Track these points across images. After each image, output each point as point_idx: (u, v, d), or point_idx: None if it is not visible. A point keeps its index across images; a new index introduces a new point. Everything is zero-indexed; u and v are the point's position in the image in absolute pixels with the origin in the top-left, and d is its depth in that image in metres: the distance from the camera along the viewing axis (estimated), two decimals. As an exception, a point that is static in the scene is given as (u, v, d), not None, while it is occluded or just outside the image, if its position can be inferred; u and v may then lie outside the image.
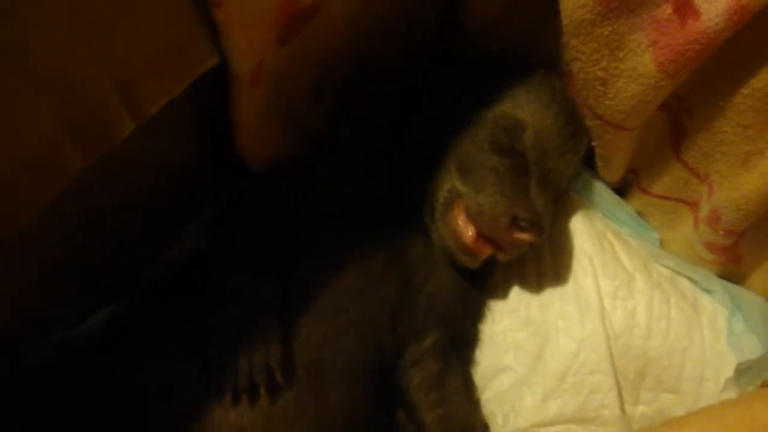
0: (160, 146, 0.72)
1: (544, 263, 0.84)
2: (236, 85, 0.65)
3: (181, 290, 0.75)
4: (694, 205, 0.80)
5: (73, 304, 0.76)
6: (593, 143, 0.80)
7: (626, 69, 0.69)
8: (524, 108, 0.75)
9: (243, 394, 0.66)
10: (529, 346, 0.82)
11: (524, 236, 0.71)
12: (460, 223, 0.73)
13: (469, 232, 0.72)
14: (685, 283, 0.84)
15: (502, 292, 0.84)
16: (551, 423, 0.79)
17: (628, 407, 0.80)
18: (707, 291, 0.84)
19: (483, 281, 0.83)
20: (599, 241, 0.83)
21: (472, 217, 0.72)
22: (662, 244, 0.88)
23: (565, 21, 0.68)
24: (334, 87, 0.81)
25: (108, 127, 0.55)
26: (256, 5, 0.59)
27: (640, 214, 0.88)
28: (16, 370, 0.73)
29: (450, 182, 0.74)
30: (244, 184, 0.80)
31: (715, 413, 0.61)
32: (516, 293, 0.84)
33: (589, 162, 0.86)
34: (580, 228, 0.84)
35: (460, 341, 0.80)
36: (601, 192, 0.87)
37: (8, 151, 0.49)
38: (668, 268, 0.84)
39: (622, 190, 0.89)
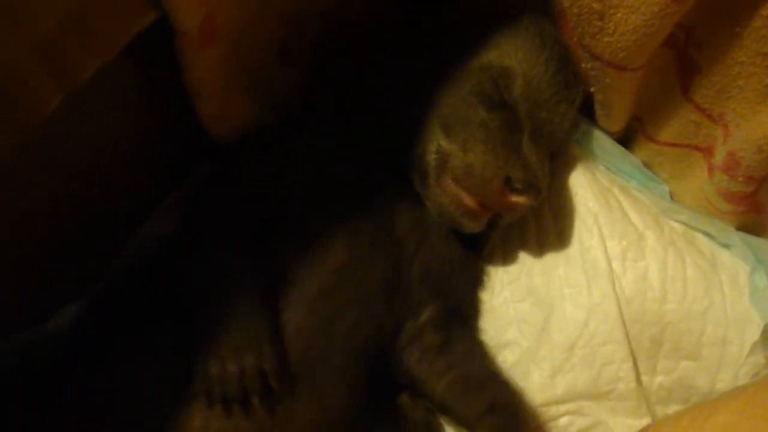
0: (114, 122, 0.69)
1: (546, 225, 0.78)
2: (183, 44, 0.59)
3: (154, 280, 0.69)
4: (707, 151, 0.74)
5: (34, 300, 0.72)
6: (592, 89, 0.75)
7: (626, -3, 0.62)
8: (512, 56, 0.69)
9: (235, 405, 0.60)
10: (533, 318, 0.76)
11: (519, 199, 0.65)
12: (458, 186, 0.67)
13: (467, 195, 0.66)
14: (700, 239, 0.78)
15: (501, 260, 0.79)
16: (561, 401, 0.74)
17: (644, 378, 0.75)
18: (725, 246, 0.78)
19: (480, 248, 0.78)
20: (604, 198, 0.77)
21: (460, 181, 0.66)
22: (673, 197, 0.82)
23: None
24: (302, 47, 0.76)
25: (31, 98, 0.50)
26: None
27: (647, 165, 0.82)
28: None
29: (435, 142, 0.68)
30: (213, 161, 0.76)
31: (749, 394, 0.53)
32: (516, 260, 0.78)
33: (588, 112, 0.80)
34: (583, 184, 0.78)
35: (461, 312, 0.75)
36: (604, 143, 0.81)
37: None
38: (681, 223, 0.79)
39: (626, 140, 0.82)
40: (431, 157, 0.68)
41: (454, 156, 0.66)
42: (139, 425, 0.62)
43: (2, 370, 0.68)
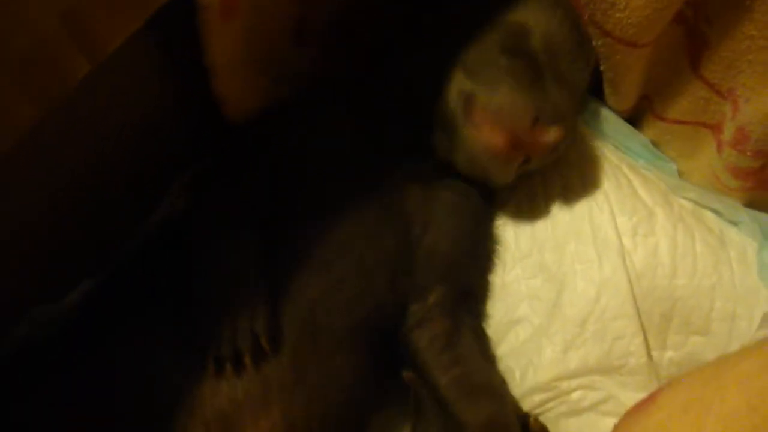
0: (135, 102, 0.69)
1: (557, 202, 0.78)
2: (206, 16, 0.60)
3: (164, 256, 0.70)
4: (716, 128, 0.74)
5: (48, 280, 0.72)
6: (601, 67, 0.75)
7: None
8: (528, 14, 0.69)
9: (227, 363, 0.61)
10: (545, 294, 0.77)
11: (551, 134, 0.65)
12: (487, 126, 0.66)
13: (498, 135, 0.65)
14: (709, 216, 0.79)
15: (511, 237, 0.79)
16: (573, 375, 0.75)
17: (654, 353, 0.75)
18: (733, 223, 0.79)
19: (489, 227, 0.78)
20: (614, 175, 0.78)
21: (492, 116, 0.65)
22: (681, 175, 0.82)
23: None
24: (318, 26, 0.76)
25: (59, 69, 0.50)
26: None
27: (655, 144, 0.82)
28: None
29: (458, 88, 0.67)
30: (223, 138, 0.75)
31: None
32: (527, 237, 0.78)
33: (596, 92, 0.80)
34: (593, 161, 0.79)
35: (468, 295, 0.75)
36: (612, 122, 0.81)
37: None
38: (690, 200, 0.79)
39: (634, 119, 0.83)
40: (454, 103, 0.67)
41: (482, 94, 0.66)
42: (150, 396, 0.63)
43: (20, 344, 0.69)
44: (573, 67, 0.69)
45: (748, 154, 0.69)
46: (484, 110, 0.65)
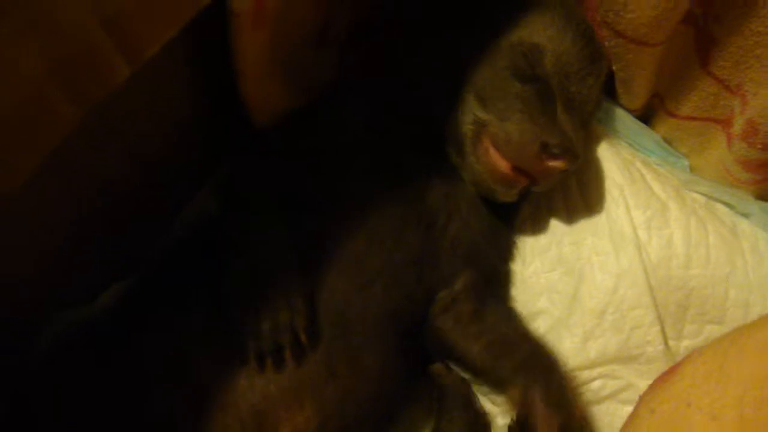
0: (166, 105, 0.71)
1: (573, 197, 0.80)
2: (237, 24, 0.62)
3: (196, 255, 0.72)
4: (726, 123, 0.77)
5: (87, 272, 0.74)
6: (614, 67, 0.77)
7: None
8: (540, 33, 0.71)
9: (268, 358, 0.63)
10: (564, 287, 0.79)
11: (557, 164, 0.67)
12: (492, 153, 0.69)
13: (504, 162, 0.68)
14: (721, 209, 0.81)
15: (530, 231, 0.81)
16: (593, 365, 0.76)
17: (671, 342, 0.77)
18: (744, 215, 0.81)
19: (510, 220, 0.80)
20: (628, 171, 0.80)
21: (499, 147, 0.68)
22: (693, 170, 0.84)
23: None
24: (340, 29, 0.79)
25: (101, 71, 0.52)
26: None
27: (667, 141, 0.84)
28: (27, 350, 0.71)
29: (471, 114, 0.70)
30: (250, 141, 0.78)
31: None
32: (546, 231, 0.81)
33: (609, 92, 0.82)
34: (607, 158, 0.81)
35: (493, 281, 0.77)
36: (625, 120, 0.84)
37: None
38: (702, 194, 0.81)
39: (646, 118, 0.85)
40: (467, 128, 0.70)
41: (492, 124, 0.68)
42: (185, 393, 0.65)
43: (57, 342, 0.71)
44: (584, 84, 0.71)
45: (758, 146, 0.71)
46: (493, 139, 0.69)
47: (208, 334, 0.66)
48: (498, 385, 0.71)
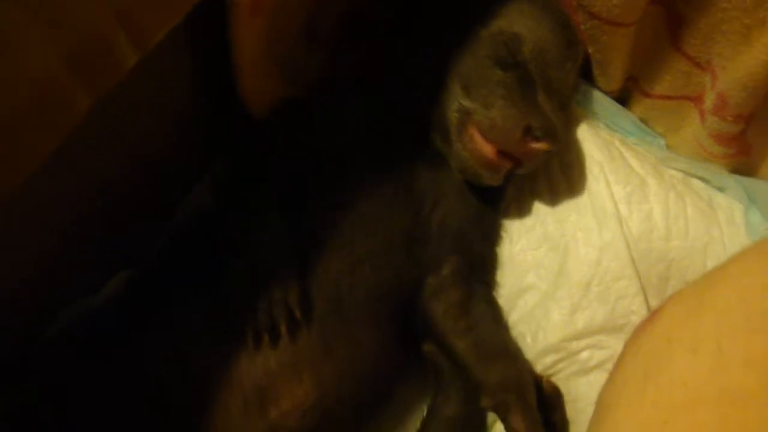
0: (167, 103, 0.73)
1: (555, 177, 0.83)
2: (236, 14, 0.64)
3: (195, 245, 0.75)
4: (698, 99, 0.80)
5: (88, 271, 0.76)
6: (590, 50, 0.80)
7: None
8: (519, 22, 0.74)
9: (264, 334, 0.66)
10: (550, 262, 0.81)
11: (540, 145, 0.70)
12: (478, 139, 0.72)
13: (488, 147, 0.72)
14: (697, 184, 0.84)
15: (516, 212, 0.84)
16: (581, 336, 0.79)
17: None
18: (720, 189, 0.84)
19: (495, 203, 0.83)
20: (607, 149, 0.83)
21: (485, 133, 0.71)
22: (669, 149, 0.87)
23: None
24: (326, 31, 0.81)
25: (112, 58, 0.54)
26: None
27: (643, 120, 0.87)
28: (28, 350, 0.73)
29: (456, 102, 0.73)
30: (246, 133, 0.80)
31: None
32: (530, 211, 0.84)
33: (587, 76, 0.86)
34: (587, 138, 0.84)
35: (479, 266, 0.80)
36: (602, 102, 0.87)
37: (10, 87, 0.48)
38: (679, 170, 0.85)
39: (622, 100, 0.88)
40: (453, 116, 0.74)
41: (477, 112, 0.72)
42: (190, 375, 0.67)
43: (63, 333, 0.73)
44: (562, 69, 0.75)
45: (729, 118, 0.75)
46: (478, 126, 0.72)
47: (209, 319, 0.69)
48: (476, 384, 0.73)
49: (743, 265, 0.52)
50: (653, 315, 0.61)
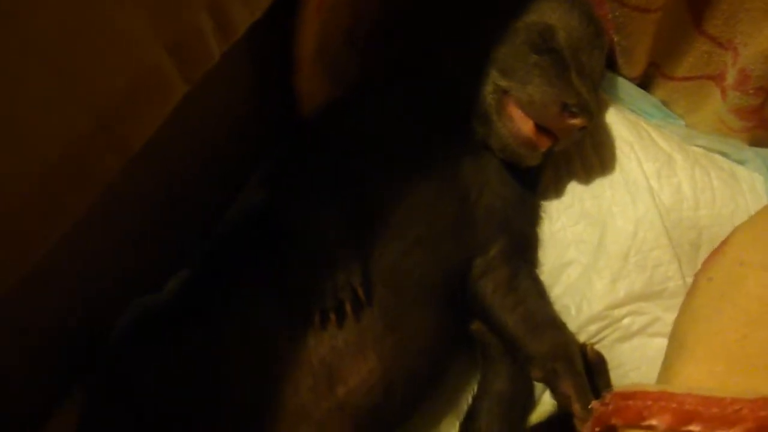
0: (229, 99, 0.76)
1: (589, 157, 0.88)
2: (305, 7, 0.69)
3: (256, 237, 0.79)
4: (719, 78, 0.85)
5: (152, 270, 0.80)
6: (616, 38, 0.85)
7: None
8: (550, 14, 0.80)
9: (331, 313, 0.70)
10: (589, 237, 0.86)
11: (576, 121, 0.75)
12: (517, 117, 0.77)
13: (528, 123, 0.76)
14: (719, 158, 0.90)
15: (554, 193, 0.89)
16: (622, 303, 0.83)
17: (688, 279, 0.84)
18: (740, 162, 0.90)
19: (534, 186, 0.88)
20: (635, 129, 0.89)
21: (523, 107, 0.76)
22: (689, 128, 0.93)
23: None
24: (363, 34, 0.85)
25: (205, 48, 0.58)
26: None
27: (665, 103, 0.93)
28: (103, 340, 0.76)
29: (493, 84, 0.78)
30: (296, 131, 0.85)
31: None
32: (568, 191, 0.88)
33: (610, 65, 0.90)
34: (615, 120, 0.89)
35: (523, 246, 0.84)
36: (626, 88, 0.92)
37: (120, 73, 0.51)
38: (700, 147, 0.90)
39: (644, 85, 0.93)
40: (491, 98, 0.78)
41: (515, 89, 0.76)
42: (261, 356, 0.71)
43: (134, 325, 0.77)
44: (592, 56, 0.80)
45: (750, 91, 0.80)
46: (517, 102, 0.77)
47: (276, 309, 0.73)
48: (525, 356, 0.76)
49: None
50: (721, 245, 0.65)
